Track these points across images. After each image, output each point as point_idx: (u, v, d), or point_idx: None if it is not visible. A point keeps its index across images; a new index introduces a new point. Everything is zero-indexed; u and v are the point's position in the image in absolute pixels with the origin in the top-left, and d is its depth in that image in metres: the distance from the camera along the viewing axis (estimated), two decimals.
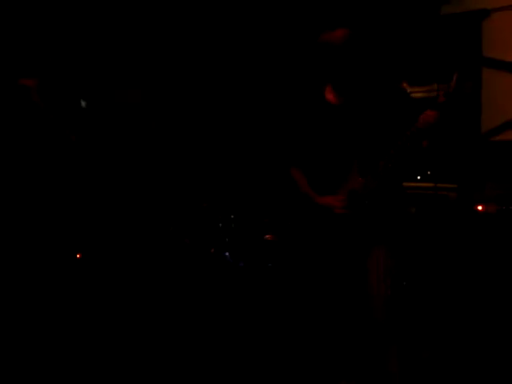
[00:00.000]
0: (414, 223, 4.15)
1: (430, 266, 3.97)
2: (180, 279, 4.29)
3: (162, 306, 3.87)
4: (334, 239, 2.45)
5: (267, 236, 4.23)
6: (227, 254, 4.30)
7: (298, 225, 2.68)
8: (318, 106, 2.48)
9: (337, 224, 2.43)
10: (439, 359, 3.13)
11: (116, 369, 3.02)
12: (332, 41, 2.32)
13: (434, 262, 3.96)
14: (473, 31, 4.41)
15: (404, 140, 2.25)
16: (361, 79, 2.40)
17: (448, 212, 4.19)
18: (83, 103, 4.07)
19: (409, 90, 4.42)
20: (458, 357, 3.12)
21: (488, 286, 3.68)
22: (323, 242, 2.49)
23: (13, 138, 3.61)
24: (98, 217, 4.29)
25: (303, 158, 2.57)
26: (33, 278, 3.56)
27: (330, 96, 2.47)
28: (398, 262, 2.43)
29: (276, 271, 4.09)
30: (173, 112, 5.27)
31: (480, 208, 3.96)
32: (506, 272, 3.67)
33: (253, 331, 3.52)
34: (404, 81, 4.52)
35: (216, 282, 4.21)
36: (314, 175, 2.53)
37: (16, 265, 3.52)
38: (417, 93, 4.49)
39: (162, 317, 3.72)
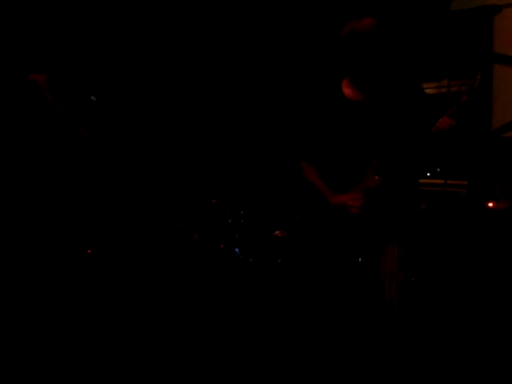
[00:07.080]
0: (423, 220, 4.14)
1: (440, 262, 3.96)
2: (189, 275, 4.29)
3: (171, 302, 3.88)
4: (347, 237, 2.44)
5: (277, 232, 4.22)
6: (237, 249, 4.30)
7: (309, 221, 2.66)
8: (334, 100, 2.43)
9: (351, 222, 2.41)
10: (447, 359, 3.11)
11: (128, 365, 3.04)
12: (360, 30, 2.25)
13: (444, 259, 3.95)
14: (484, 27, 4.38)
15: (420, 145, 2.24)
16: (383, 73, 2.37)
17: (458, 209, 4.18)
18: (93, 98, 4.06)
19: None
20: (467, 357, 3.11)
21: (498, 283, 3.66)
22: (335, 239, 2.48)
23: (24, 133, 3.61)
24: (107, 212, 4.29)
25: (317, 154, 2.55)
26: (41, 273, 3.57)
27: (347, 90, 2.43)
28: (408, 259, 2.43)
29: (286, 267, 4.09)
30: (183, 107, 5.27)
31: (491, 205, 3.94)
32: None
33: (261, 327, 3.52)
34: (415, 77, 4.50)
35: (225, 278, 4.21)
36: (327, 171, 2.51)
37: (24, 260, 3.53)
38: (427, 89, 4.47)
39: (171, 313, 3.72)
